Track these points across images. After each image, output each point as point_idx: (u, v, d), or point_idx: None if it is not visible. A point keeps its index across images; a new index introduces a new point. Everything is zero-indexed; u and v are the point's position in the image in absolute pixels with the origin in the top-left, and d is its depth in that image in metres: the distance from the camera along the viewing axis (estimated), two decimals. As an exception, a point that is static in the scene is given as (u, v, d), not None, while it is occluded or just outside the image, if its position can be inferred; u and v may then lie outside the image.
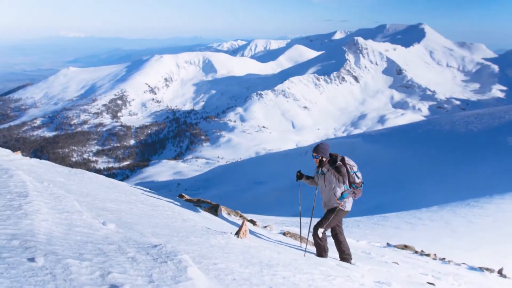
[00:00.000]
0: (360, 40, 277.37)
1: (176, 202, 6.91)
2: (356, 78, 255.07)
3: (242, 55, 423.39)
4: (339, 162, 5.76)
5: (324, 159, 5.77)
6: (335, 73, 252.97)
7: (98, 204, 4.37)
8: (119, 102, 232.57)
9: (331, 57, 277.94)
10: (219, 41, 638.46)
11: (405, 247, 11.16)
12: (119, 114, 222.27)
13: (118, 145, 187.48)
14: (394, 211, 22.52)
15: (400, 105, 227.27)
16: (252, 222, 7.80)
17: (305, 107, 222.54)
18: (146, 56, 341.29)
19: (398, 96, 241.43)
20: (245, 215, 11.71)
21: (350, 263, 6.08)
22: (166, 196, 7.74)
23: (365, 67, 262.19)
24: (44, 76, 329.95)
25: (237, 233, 4.63)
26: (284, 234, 7.36)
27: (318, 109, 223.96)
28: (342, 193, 5.84)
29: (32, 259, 2.04)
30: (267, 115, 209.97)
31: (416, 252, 10.84)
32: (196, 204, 7.28)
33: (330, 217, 5.84)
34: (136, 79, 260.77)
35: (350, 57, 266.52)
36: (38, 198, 3.25)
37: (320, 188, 5.96)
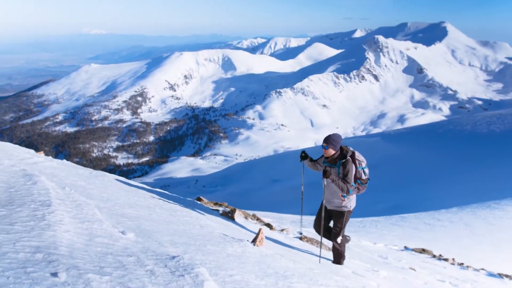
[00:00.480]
0: (381, 38, 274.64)
1: (194, 206, 7.00)
2: (376, 77, 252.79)
3: (262, 52, 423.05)
4: (347, 158, 5.61)
5: (330, 151, 5.62)
6: (354, 71, 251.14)
7: (117, 210, 4.46)
8: (139, 98, 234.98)
9: (351, 55, 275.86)
10: (239, 39, 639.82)
11: (423, 250, 11.05)
12: (139, 110, 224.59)
13: (138, 141, 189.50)
14: (412, 212, 22.33)
15: (421, 105, 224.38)
16: (269, 226, 7.83)
17: (324, 106, 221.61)
18: (166, 53, 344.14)
19: (418, 95, 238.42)
20: (261, 214, 11.74)
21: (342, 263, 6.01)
22: (184, 200, 7.84)
23: (385, 65, 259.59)
24: (66, 72, 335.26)
25: (254, 241, 4.67)
26: (300, 238, 7.40)
27: (337, 107, 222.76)
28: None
29: (55, 274, 2.10)
30: (286, 113, 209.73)
31: (434, 256, 10.72)
32: (213, 208, 7.37)
33: (343, 223, 5.80)
34: (156, 76, 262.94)
35: (370, 55, 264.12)
36: (61, 206, 3.34)
37: (323, 181, 5.80)
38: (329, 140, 5.63)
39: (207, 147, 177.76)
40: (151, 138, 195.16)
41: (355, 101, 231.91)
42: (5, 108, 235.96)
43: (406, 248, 11.07)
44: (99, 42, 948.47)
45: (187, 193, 79.03)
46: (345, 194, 5.63)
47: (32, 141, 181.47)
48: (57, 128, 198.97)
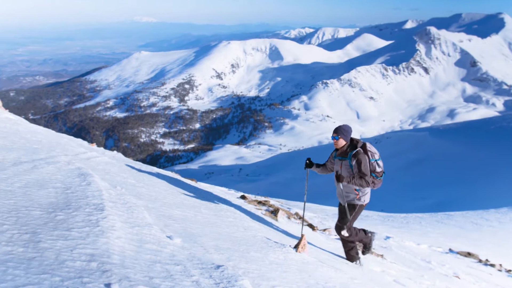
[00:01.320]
0: (433, 29, 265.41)
1: (238, 205, 7.13)
2: (426, 70, 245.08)
3: (309, 42, 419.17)
4: (358, 149, 5.38)
5: (340, 142, 5.45)
6: (404, 63, 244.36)
7: (165, 211, 4.63)
8: (186, 86, 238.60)
9: (400, 47, 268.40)
10: (287, 28, 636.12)
11: (468, 254, 10.73)
12: (186, 98, 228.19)
13: (184, 128, 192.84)
14: (459, 210, 21.78)
15: (473, 99, 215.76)
16: (311, 226, 7.87)
17: (371, 98, 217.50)
18: (214, 41, 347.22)
19: (470, 89, 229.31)
20: (305, 208, 11.64)
21: (358, 263, 5.76)
22: (228, 197, 7.99)
23: (437, 58, 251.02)
24: (118, 59, 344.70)
25: (296, 247, 4.73)
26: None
27: (384, 100, 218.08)
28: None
29: (108, 286, 2.22)
30: (332, 104, 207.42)
31: (480, 261, 10.41)
32: (257, 207, 7.48)
33: (351, 216, 5.53)
34: (204, 64, 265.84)
35: (421, 47, 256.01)
36: (113, 210, 3.51)
37: (339, 185, 5.59)
38: (339, 130, 5.48)
39: (251, 136, 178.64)
40: (197, 125, 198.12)
41: (403, 94, 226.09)
42: (60, 93, 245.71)
43: (450, 250, 10.80)
44: (150, 30, 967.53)
45: (231, 181, 79.92)
46: (370, 187, 5.45)
47: (84, 125, 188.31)
48: (107, 113, 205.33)
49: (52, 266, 2.28)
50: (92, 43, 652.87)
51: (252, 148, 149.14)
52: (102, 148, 9.81)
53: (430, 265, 8.13)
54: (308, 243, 5.46)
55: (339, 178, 5.32)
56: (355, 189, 5.48)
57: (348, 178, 5.28)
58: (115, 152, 9.74)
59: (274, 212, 7.28)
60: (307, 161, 5.95)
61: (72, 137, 10.03)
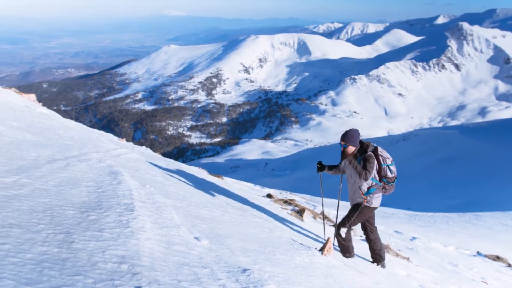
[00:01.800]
0: (465, 25, 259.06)
1: (264, 205, 7.19)
2: (457, 66, 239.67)
3: (338, 38, 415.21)
4: (369, 153, 5.19)
5: (349, 149, 5.27)
6: (434, 60, 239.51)
7: (192, 210, 4.71)
8: (214, 80, 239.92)
9: (431, 43, 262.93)
10: (315, 23, 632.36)
11: (497, 258, 10.48)
12: (213, 91, 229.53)
13: (211, 121, 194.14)
14: (488, 211, 21.35)
15: (505, 97, 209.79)
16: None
17: (400, 94, 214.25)
18: (242, 36, 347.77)
19: (503, 87, 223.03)
20: (329, 202, 11.81)
21: (381, 265, 5.63)
22: (255, 197, 8.05)
23: (469, 54, 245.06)
24: (147, 52, 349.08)
25: (321, 250, 4.74)
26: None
27: (413, 96, 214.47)
28: (368, 188, 5.31)
29: (138, 288, 2.30)
30: (360, 100, 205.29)
31: (509, 265, 10.16)
32: (283, 206, 7.51)
33: (353, 215, 5.36)
34: (232, 59, 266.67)
35: (452, 43, 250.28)
36: (142, 210, 3.60)
37: (346, 178, 5.48)
38: (347, 137, 5.28)
39: (278, 130, 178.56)
40: (224, 119, 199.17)
41: (433, 90, 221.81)
42: (91, 85, 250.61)
43: (478, 253, 10.56)
44: (179, 24, 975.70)
45: (256, 175, 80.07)
46: (366, 191, 5.27)
47: (113, 117, 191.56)
48: (136, 106, 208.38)
49: (85, 267, 2.37)
50: (121, 37, 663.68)
51: (278, 143, 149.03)
52: (131, 144, 10.00)
53: (457, 269, 8.00)
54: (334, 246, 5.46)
55: (343, 154, 5.24)
56: (363, 193, 5.32)
57: (352, 159, 5.21)
58: (143, 147, 9.92)
59: (300, 212, 7.29)
60: (318, 165, 5.77)
61: (102, 132, 10.26)
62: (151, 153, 9.52)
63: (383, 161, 5.29)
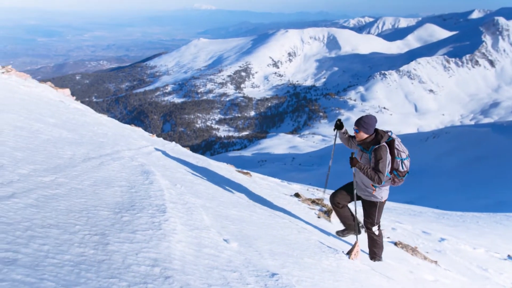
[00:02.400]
0: (501, 20, 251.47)
1: (292, 205, 7.23)
2: (491, 62, 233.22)
3: (369, 32, 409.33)
4: (382, 144, 4.94)
5: (361, 135, 5.05)
6: (468, 55, 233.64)
7: (222, 211, 4.78)
8: (242, 74, 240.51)
9: (465, 38, 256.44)
10: (346, 17, 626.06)
11: (529, 262, 10.28)
12: (242, 85, 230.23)
13: (239, 115, 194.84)
14: (520, 211, 20.96)
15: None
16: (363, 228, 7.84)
17: (431, 90, 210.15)
18: (272, 30, 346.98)
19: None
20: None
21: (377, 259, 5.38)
22: (283, 196, 8.09)
23: (504, 50, 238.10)
24: (177, 45, 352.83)
25: (349, 253, 4.74)
26: (395, 244, 7.31)
27: (445, 93, 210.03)
28: None
29: (170, 292, 2.37)
30: (389, 96, 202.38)
31: (542, 270, 9.93)
32: (310, 206, 7.52)
33: (375, 212, 5.21)
34: (261, 52, 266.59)
35: (487, 38, 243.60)
36: (174, 212, 3.69)
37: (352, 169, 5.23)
38: (360, 123, 5.05)
39: (306, 125, 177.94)
40: (252, 113, 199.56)
41: (465, 87, 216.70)
42: (122, 77, 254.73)
43: (509, 257, 10.34)
44: (209, 18, 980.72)
45: (283, 170, 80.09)
46: (376, 185, 5.04)
47: (143, 109, 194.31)
48: (165, 98, 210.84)
49: (119, 270, 2.44)
50: (152, 30, 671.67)
51: (305, 138, 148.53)
52: (161, 139, 10.16)
53: (486, 274, 7.85)
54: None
55: (352, 161, 4.96)
56: (372, 184, 5.11)
57: (362, 165, 4.94)
58: (173, 143, 10.06)
59: (328, 212, 7.30)
60: (338, 122, 5.58)
61: (134, 128, 10.45)
62: (181, 149, 9.66)
63: (398, 155, 5.06)
